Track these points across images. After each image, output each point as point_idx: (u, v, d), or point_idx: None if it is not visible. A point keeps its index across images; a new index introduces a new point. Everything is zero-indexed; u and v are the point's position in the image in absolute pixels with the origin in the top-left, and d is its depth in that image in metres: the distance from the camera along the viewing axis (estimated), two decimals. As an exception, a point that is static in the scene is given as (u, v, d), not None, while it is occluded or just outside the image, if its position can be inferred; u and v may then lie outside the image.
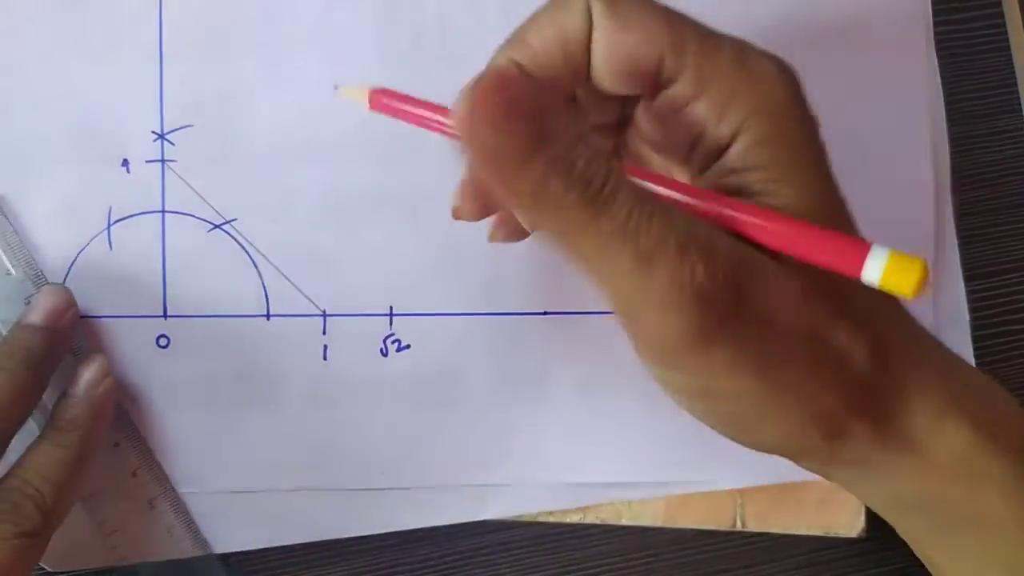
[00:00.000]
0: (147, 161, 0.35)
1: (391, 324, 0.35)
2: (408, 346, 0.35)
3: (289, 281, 0.35)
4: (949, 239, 0.36)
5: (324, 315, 0.35)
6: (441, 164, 0.35)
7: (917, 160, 0.36)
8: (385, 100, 0.27)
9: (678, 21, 0.25)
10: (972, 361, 0.36)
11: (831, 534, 0.36)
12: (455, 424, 0.35)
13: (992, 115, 0.37)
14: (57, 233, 0.34)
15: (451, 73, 0.35)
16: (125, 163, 0.35)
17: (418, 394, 0.35)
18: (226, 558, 0.35)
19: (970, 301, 0.36)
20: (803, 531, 0.36)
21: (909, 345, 0.26)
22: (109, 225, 0.34)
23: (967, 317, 0.36)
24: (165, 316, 0.35)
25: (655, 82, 0.25)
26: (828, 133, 0.35)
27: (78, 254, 0.34)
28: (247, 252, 0.35)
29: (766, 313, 0.23)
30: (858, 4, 0.36)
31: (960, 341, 0.36)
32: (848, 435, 0.25)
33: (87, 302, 0.34)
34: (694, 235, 0.22)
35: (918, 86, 0.36)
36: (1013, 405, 0.27)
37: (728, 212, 0.23)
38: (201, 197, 0.35)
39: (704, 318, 0.22)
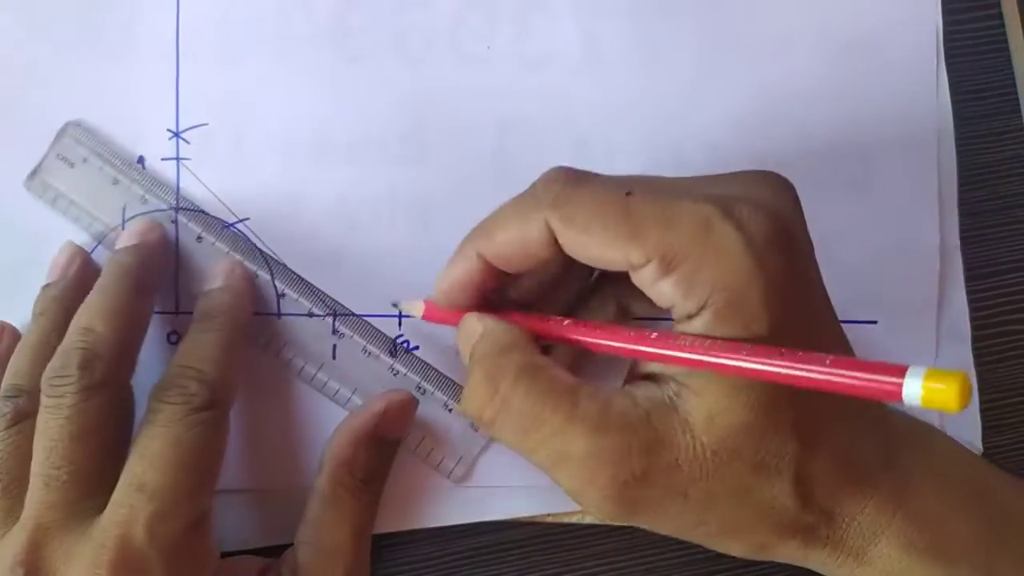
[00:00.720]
0: (162, 159, 0.35)
1: (400, 325, 0.35)
2: (417, 347, 0.35)
3: (300, 280, 0.35)
4: (952, 249, 0.36)
5: (334, 315, 0.35)
6: (452, 167, 0.36)
7: (925, 170, 0.36)
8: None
9: (637, 210, 0.26)
10: (972, 366, 0.36)
11: None
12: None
13: (992, 116, 0.37)
14: (72, 228, 0.35)
15: (463, 74, 0.36)
16: (140, 160, 0.35)
17: (426, 394, 0.35)
18: (227, 556, 0.35)
19: (970, 301, 0.36)
20: None
21: (850, 468, 0.26)
22: (124, 221, 0.35)
23: (968, 328, 0.36)
24: (177, 312, 0.35)
25: (625, 266, 0.26)
26: (838, 145, 0.37)
27: (93, 250, 0.35)
28: (260, 251, 0.35)
29: (679, 487, 0.25)
30: (869, 14, 0.36)
31: (960, 350, 0.36)
32: (783, 553, 0.27)
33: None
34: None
35: (930, 97, 0.36)
36: (955, 500, 0.28)
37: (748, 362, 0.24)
38: (215, 195, 0.35)
39: (618, 504, 0.25)
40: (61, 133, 0.35)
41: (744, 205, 0.25)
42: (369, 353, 0.35)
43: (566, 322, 0.29)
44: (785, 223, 0.26)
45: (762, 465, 0.25)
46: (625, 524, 0.27)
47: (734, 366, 0.24)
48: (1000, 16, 0.38)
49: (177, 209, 0.35)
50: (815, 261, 0.27)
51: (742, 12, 0.36)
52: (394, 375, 0.35)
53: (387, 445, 0.34)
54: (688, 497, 0.25)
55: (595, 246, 0.26)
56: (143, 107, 0.35)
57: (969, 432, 0.36)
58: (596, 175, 0.28)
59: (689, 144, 0.36)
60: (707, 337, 0.25)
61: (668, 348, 0.25)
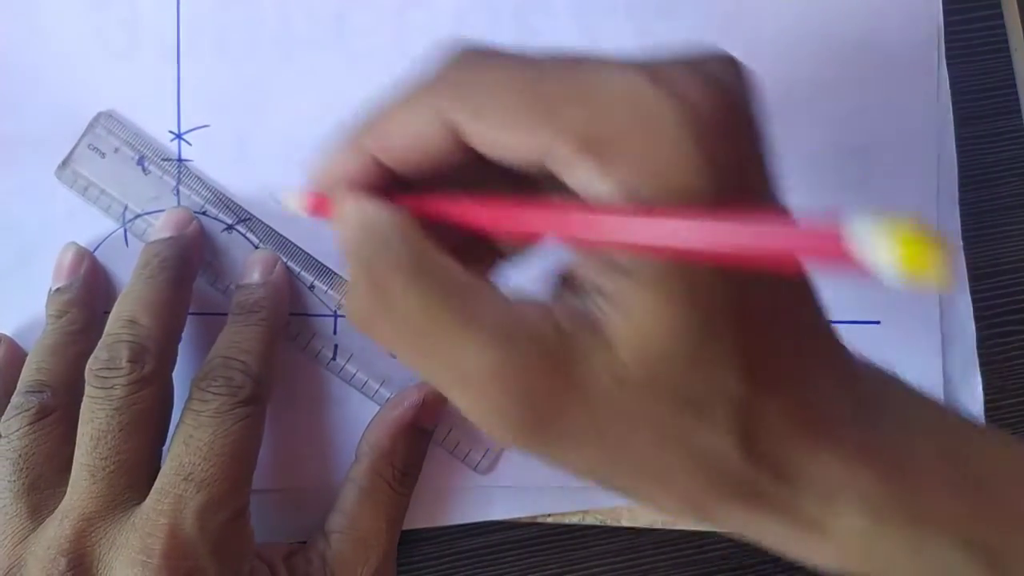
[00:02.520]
0: (163, 160, 0.35)
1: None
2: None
3: (302, 281, 0.35)
4: (955, 250, 0.36)
5: (335, 315, 0.35)
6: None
7: (924, 170, 0.36)
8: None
9: (550, 88, 0.21)
10: (977, 367, 0.36)
11: None
12: (462, 425, 0.35)
13: (992, 116, 0.37)
14: (74, 230, 0.35)
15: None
16: (142, 162, 0.35)
17: (425, 395, 0.35)
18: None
19: (971, 302, 0.36)
20: None
21: (807, 417, 0.22)
22: (125, 223, 0.35)
23: (973, 329, 0.36)
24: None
25: (541, 155, 0.21)
26: (840, 142, 0.36)
27: (94, 251, 0.35)
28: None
29: (593, 418, 0.21)
30: (871, 14, 0.36)
31: (965, 351, 0.36)
32: (723, 517, 0.23)
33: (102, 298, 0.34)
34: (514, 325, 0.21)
35: (930, 97, 0.36)
36: (932, 462, 0.24)
37: (658, 227, 0.19)
38: (216, 197, 0.35)
39: (521, 432, 0.21)
40: (93, 123, 0.35)
41: (684, 73, 0.20)
42: (370, 353, 0.35)
43: (463, 200, 0.23)
44: (734, 98, 0.21)
45: (696, 403, 0.21)
46: (534, 455, 0.22)
47: (635, 237, 0.19)
48: (1001, 17, 0.38)
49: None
50: (766, 148, 0.22)
51: (742, 11, 0.36)
52: (394, 374, 0.35)
53: (424, 436, 0.34)
54: (604, 431, 0.21)
55: (503, 136, 0.21)
56: (144, 109, 0.35)
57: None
58: (501, 51, 0.22)
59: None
60: (622, 207, 0.20)
61: (565, 216, 0.20)
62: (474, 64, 0.22)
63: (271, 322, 0.32)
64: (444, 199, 0.23)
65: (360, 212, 0.23)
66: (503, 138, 0.21)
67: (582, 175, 0.20)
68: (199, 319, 0.34)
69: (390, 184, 0.24)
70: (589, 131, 0.20)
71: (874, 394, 0.24)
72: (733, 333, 0.21)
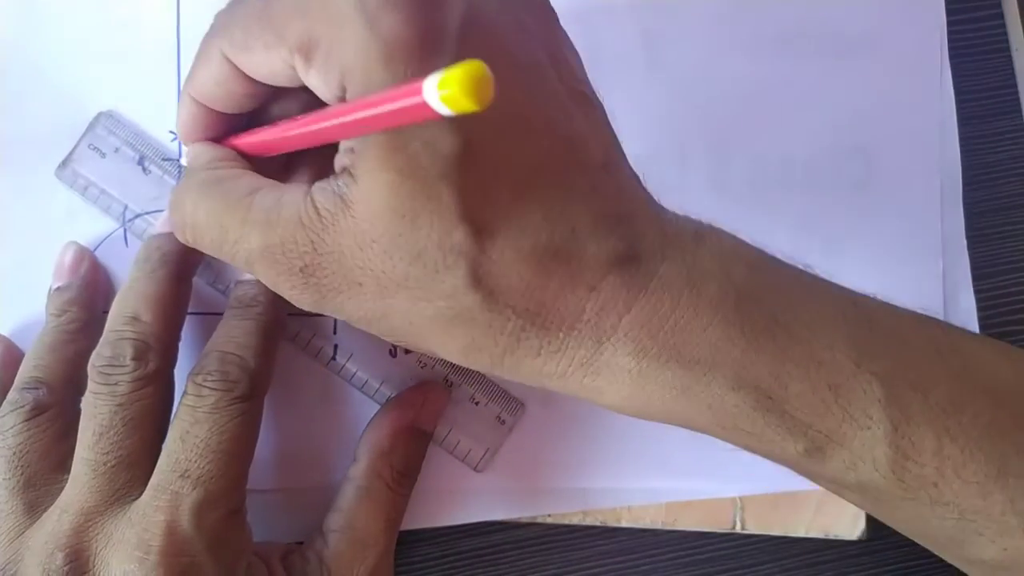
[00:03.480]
0: (164, 160, 0.35)
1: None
2: (417, 347, 0.35)
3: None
4: (958, 249, 0.36)
5: (335, 315, 0.35)
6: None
7: (927, 170, 0.36)
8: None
9: (278, 9, 0.24)
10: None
11: (831, 536, 0.35)
12: (461, 425, 0.35)
13: (993, 116, 0.38)
14: (73, 230, 0.35)
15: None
16: (142, 162, 0.35)
17: (425, 395, 0.35)
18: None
19: (974, 301, 0.37)
20: (802, 533, 0.35)
21: (552, 262, 0.24)
22: (125, 223, 0.35)
23: (976, 328, 0.36)
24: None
25: (288, 70, 0.25)
26: (842, 141, 0.36)
27: (95, 250, 0.35)
28: None
29: (351, 276, 0.24)
30: (873, 13, 0.36)
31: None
32: (492, 358, 0.25)
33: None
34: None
35: (932, 97, 0.36)
36: (710, 301, 0.24)
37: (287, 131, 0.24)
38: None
39: (303, 293, 0.25)
40: (93, 123, 0.35)
41: None
42: (369, 353, 0.35)
43: (251, 132, 0.28)
44: None
45: (425, 256, 0.23)
46: (330, 314, 0.26)
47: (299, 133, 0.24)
48: (1001, 17, 0.38)
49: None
50: (507, 21, 0.24)
51: (744, 11, 0.36)
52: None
53: (423, 437, 0.34)
54: (363, 287, 0.24)
55: (257, 59, 0.25)
56: (144, 109, 0.35)
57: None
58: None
59: (690, 143, 0.36)
60: (327, 108, 0.23)
61: (292, 127, 0.24)
62: (235, 3, 0.26)
63: (268, 317, 0.32)
64: (244, 134, 0.28)
65: (192, 152, 0.28)
66: (256, 60, 0.25)
67: (312, 82, 0.24)
68: (199, 319, 0.34)
69: (225, 127, 0.28)
70: (303, 41, 0.23)
71: (657, 235, 0.25)
72: (448, 189, 0.23)
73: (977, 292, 0.37)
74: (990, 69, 0.38)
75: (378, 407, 0.35)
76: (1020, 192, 0.38)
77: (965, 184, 0.37)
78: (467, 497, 0.35)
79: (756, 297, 0.25)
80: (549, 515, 0.36)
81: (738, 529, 0.36)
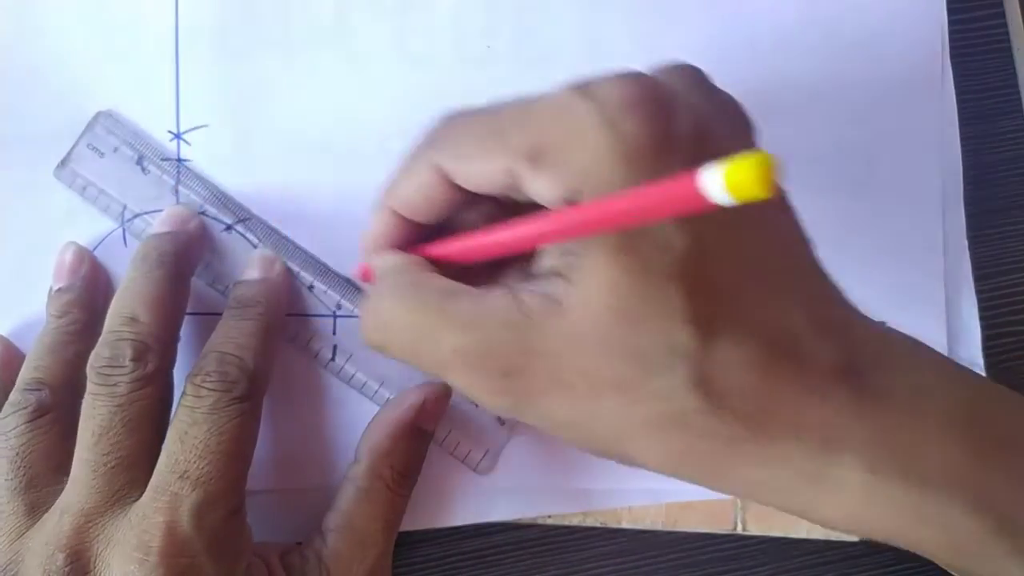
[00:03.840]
0: (163, 159, 0.35)
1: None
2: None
3: (301, 281, 0.35)
4: (960, 249, 0.36)
5: (335, 315, 0.35)
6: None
7: (928, 169, 0.36)
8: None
9: (502, 119, 0.25)
10: (982, 367, 0.36)
11: (832, 537, 0.35)
12: (462, 425, 0.35)
13: (994, 116, 0.38)
14: (72, 230, 0.35)
15: (465, 73, 0.36)
16: (141, 161, 0.35)
17: (425, 396, 0.35)
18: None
19: (976, 302, 0.36)
20: (803, 534, 0.35)
21: (783, 368, 0.23)
22: (124, 222, 0.35)
23: (978, 329, 0.36)
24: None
25: (507, 178, 0.25)
26: (843, 142, 0.36)
27: (93, 250, 0.35)
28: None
29: (562, 381, 0.23)
30: (874, 12, 0.36)
31: (971, 351, 0.36)
32: (706, 468, 0.24)
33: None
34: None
35: (933, 97, 0.36)
36: (936, 417, 0.24)
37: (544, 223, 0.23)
38: (215, 196, 0.35)
39: (502, 398, 0.24)
40: (92, 123, 0.35)
41: (605, 78, 0.23)
42: (369, 353, 0.34)
43: (449, 239, 0.28)
44: (652, 86, 0.23)
45: (647, 357, 0.22)
46: (527, 420, 0.25)
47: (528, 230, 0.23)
48: (1003, 16, 0.38)
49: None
50: (719, 124, 0.25)
51: (745, 10, 0.36)
52: (393, 375, 0.35)
53: (424, 437, 0.34)
54: (572, 390, 0.23)
55: (475, 167, 0.25)
56: (143, 108, 0.35)
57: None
58: (473, 106, 0.27)
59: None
60: (553, 211, 0.23)
61: (514, 231, 0.24)
62: (451, 119, 0.27)
63: (268, 317, 0.32)
64: (439, 243, 0.28)
65: (380, 261, 0.28)
66: (475, 169, 0.25)
67: (533, 186, 0.24)
68: (198, 319, 0.34)
69: (413, 237, 0.28)
70: (533, 147, 0.24)
71: (875, 346, 0.24)
72: (675, 288, 0.22)
73: (979, 292, 0.36)
74: (991, 68, 0.37)
75: (377, 408, 0.35)
76: (1020, 192, 0.38)
77: (966, 184, 0.37)
78: (468, 498, 0.35)
79: (985, 415, 0.24)
80: (550, 516, 0.36)
81: (739, 530, 0.36)
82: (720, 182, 0.17)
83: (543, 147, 0.23)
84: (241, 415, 0.29)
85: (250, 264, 0.34)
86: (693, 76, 0.25)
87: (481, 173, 0.25)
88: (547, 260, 0.25)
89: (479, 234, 0.26)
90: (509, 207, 0.26)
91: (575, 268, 0.23)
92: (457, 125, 0.26)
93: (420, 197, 0.27)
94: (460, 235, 0.27)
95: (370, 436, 0.33)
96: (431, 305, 0.25)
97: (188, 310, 0.33)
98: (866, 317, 0.25)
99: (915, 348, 0.25)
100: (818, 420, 0.23)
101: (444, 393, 0.34)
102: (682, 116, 0.23)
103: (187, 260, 0.33)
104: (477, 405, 0.25)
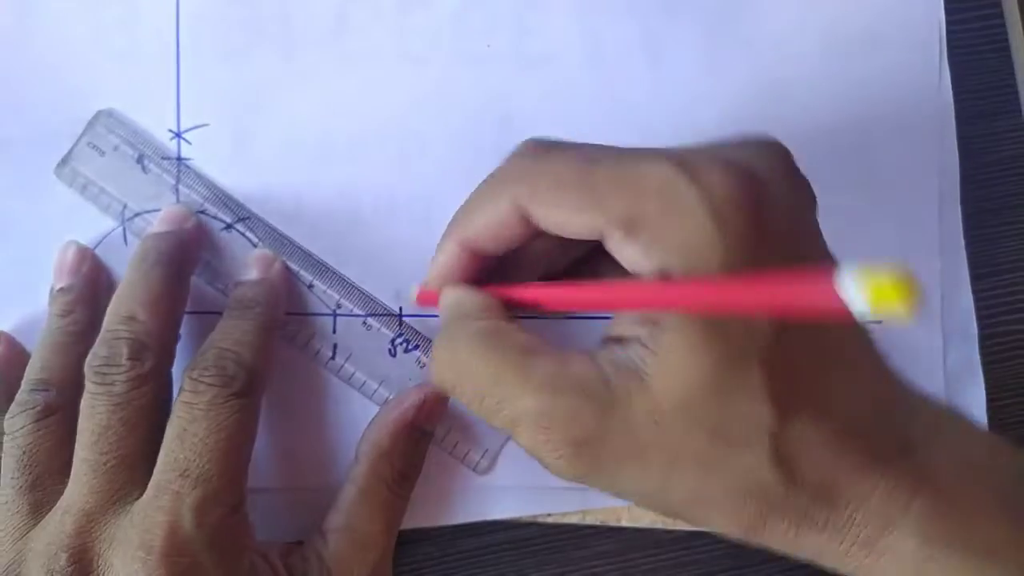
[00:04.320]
0: (163, 159, 0.35)
1: (400, 325, 0.35)
2: (417, 347, 0.35)
3: (301, 280, 0.35)
4: (956, 249, 0.36)
5: (334, 315, 0.35)
6: (453, 165, 0.36)
7: (925, 169, 0.36)
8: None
9: (599, 177, 0.25)
10: (979, 366, 0.36)
11: None
12: (460, 426, 0.35)
13: (992, 115, 0.37)
14: (73, 228, 0.35)
15: (465, 73, 0.36)
16: (141, 160, 0.35)
17: (425, 395, 0.35)
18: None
19: (973, 301, 0.36)
20: None
21: (850, 443, 0.24)
22: (124, 221, 0.35)
23: (975, 329, 0.36)
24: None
25: (595, 235, 0.25)
26: (841, 141, 0.37)
27: (94, 249, 0.35)
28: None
29: (637, 451, 0.24)
30: (872, 12, 0.36)
31: (968, 351, 0.36)
32: (777, 538, 0.25)
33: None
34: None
35: (931, 96, 0.36)
36: (988, 492, 0.25)
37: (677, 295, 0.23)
38: (216, 196, 0.35)
39: (573, 465, 0.24)
40: (93, 122, 0.35)
41: (709, 163, 0.24)
42: (368, 353, 0.35)
43: (531, 285, 0.28)
44: (754, 180, 0.24)
45: (728, 432, 0.23)
46: (592, 486, 0.25)
47: (645, 298, 0.24)
48: (1001, 15, 0.38)
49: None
50: (805, 219, 0.26)
51: (744, 10, 0.36)
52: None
53: (424, 437, 0.34)
54: (648, 461, 0.24)
55: (563, 217, 0.25)
56: (144, 108, 0.35)
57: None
58: (562, 145, 0.27)
59: (691, 142, 0.36)
60: (649, 281, 0.24)
61: (605, 292, 0.25)
62: (537, 155, 0.26)
63: (267, 317, 0.32)
64: (519, 287, 0.28)
65: (452, 296, 0.28)
66: (563, 219, 0.25)
67: (626, 253, 0.24)
68: (199, 318, 0.34)
69: (481, 271, 0.28)
70: (631, 217, 0.24)
71: (928, 422, 0.26)
72: (759, 368, 0.23)
73: (975, 292, 0.36)
74: (989, 68, 0.37)
75: (377, 407, 0.35)
76: (1019, 192, 0.37)
77: (963, 184, 0.37)
78: (467, 497, 0.35)
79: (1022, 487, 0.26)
80: (549, 515, 0.36)
81: (738, 528, 0.36)
82: (864, 295, 0.17)
83: (641, 218, 0.24)
84: (240, 411, 0.29)
85: (249, 264, 0.34)
86: (785, 163, 0.26)
87: (568, 223, 0.25)
88: (627, 325, 0.25)
89: (565, 287, 0.27)
90: (572, 242, 0.26)
91: (659, 340, 0.24)
92: (546, 169, 0.26)
93: (494, 231, 0.27)
94: (544, 285, 0.28)
95: (370, 436, 0.33)
96: (510, 360, 0.25)
97: (188, 308, 0.33)
98: (920, 393, 0.27)
99: (964, 424, 0.27)
100: (880, 493, 0.24)
101: (443, 393, 0.34)
102: (779, 215, 0.24)
103: (185, 259, 0.33)
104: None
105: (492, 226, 0.27)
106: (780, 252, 0.24)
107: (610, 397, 0.24)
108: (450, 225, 0.28)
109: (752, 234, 0.23)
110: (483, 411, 0.26)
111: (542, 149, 0.26)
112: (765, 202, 0.24)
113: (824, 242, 0.26)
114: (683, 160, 0.24)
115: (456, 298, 0.28)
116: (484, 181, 0.27)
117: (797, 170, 0.26)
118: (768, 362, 0.23)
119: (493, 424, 0.26)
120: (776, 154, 0.26)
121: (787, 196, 0.25)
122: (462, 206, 0.28)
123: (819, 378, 0.24)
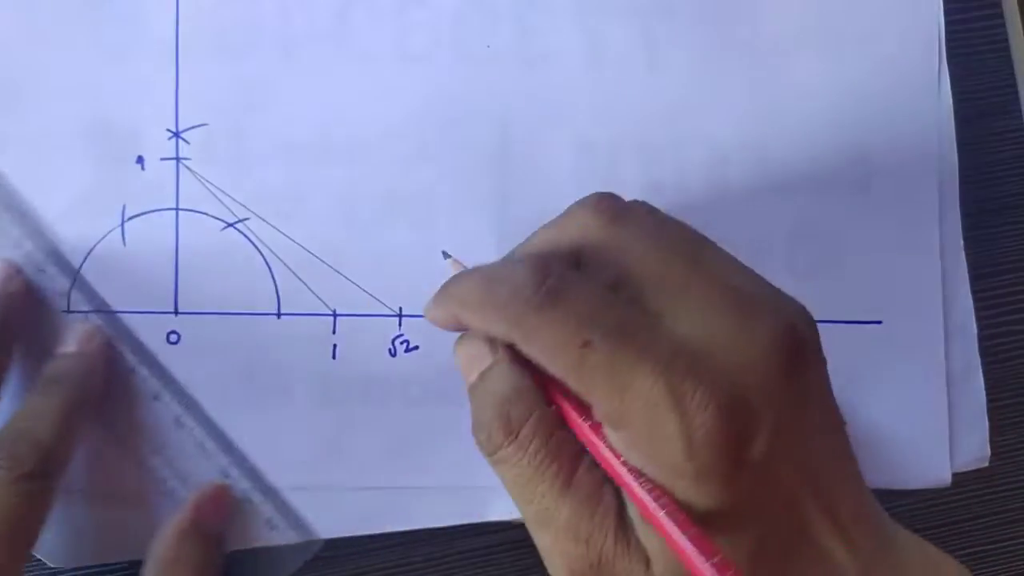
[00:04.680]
0: (162, 159, 0.35)
1: (400, 325, 0.35)
2: (417, 347, 0.35)
3: (300, 280, 0.35)
4: (956, 249, 0.36)
5: (334, 315, 0.35)
6: (454, 166, 0.36)
7: (925, 170, 0.36)
8: None
9: (590, 366, 0.24)
10: (979, 366, 0.36)
11: None
12: (461, 425, 0.35)
13: (992, 116, 0.37)
14: (71, 228, 0.35)
15: (465, 73, 0.36)
16: (140, 160, 0.35)
17: (425, 395, 0.35)
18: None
19: (972, 301, 0.36)
20: None
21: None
22: (123, 221, 0.35)
23: (975, 329, 0.36)
24: (176, 312, 0.35)
25: None
26: (840, 142, 0.37)
27: (92, 249, 0.35)
28: (259, 251, 0.35)
29: None
30: (871, 13, 0.36)
31: (968, 350, 0.36)
32: None
33: (99, 297, 0.34)
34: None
35: (931, 97, 0.36)
36: None
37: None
38: (215, 195, 0.35)
39: (573, 564, 0.25)
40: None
41: (699, 390, 0.23)
42: (369, 353, 0.35)
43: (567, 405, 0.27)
44: (742, 413, 0.24)
45: None
46: None
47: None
48: (1001, 16, 0.38)
49: (178, 210, 0.35)
50: (796, 429, 0.25)
51: (744, 11, 0.36)
52: (393, 374, 0.35)
53: (211, 541, 0.33)
54: None
55: (544, 362, 0.25)
56: (143, 107, 0.35)
57: (977, 433, 0.36)
58: (568, 293, 0.25)
59: (690, 142, 0.36)
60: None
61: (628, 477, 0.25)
62: (540, 304, 0.25)
63: (75, 394, 0.32)
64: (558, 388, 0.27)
65: (495, 356, 0.27)
66: (543, 362, 0.25)
67: (612, 436, 0.25)
68: (208, 317, 0.34)
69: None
70: (617, 418, 0.24)
71: (882, 548, 0.26)
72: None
73: (975, 293, 0.36)
74: (989, 68, 0.37)
75: (375, 409, 0.35)
76: (1019, 192, 0.38)
77: (963, 184, 0.37)
78: (467, 497, 0.35)
79: None
80: (549, 515, 0.36)
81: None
82: None
83: (627, 420, 0.24)
84: (26, 494, 0.29)
85: (67, 338, 0.34)
86: (792, 359, 0.25)
87: (547, 367, 0.25)
88: (636, 511, 0.25)
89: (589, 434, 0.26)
90: None
91: (651, 552, 0.24)
92: (544, 327, 0.25)
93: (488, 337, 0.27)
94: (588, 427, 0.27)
95: (152, 551, 0.32)
96: (562, 468, 0.25)
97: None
98: (880, 514, 0.27)
99: (924, 554, 0.28)
100: None
101: (221, 490, 0.34)
102: (757, 442, 0.24)
103: (5, 322, 0.32)
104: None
105: (483, 334, 0.27)
106: (762, 479, 0.24)
107: (626, 542, 0.25)
108: (449, 291, 0.28)
109: (728, 471, 0.24)
110: (517, 497, 0.26)
111: (543, 297, 0.25)
112: (745, 439, 0.24)
113: (823, 443, 0.26)
114: (676, 372, 0.24)
115: (497, 363, 0.27)
116: (486, 283, 0.27)
117: (803, 360, 0.25)
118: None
119: (519, 509, 0.26)
120: (785, 345, 0.25)
121: (780, 414, 0.25)
122: (462, 288, 0.27)
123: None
